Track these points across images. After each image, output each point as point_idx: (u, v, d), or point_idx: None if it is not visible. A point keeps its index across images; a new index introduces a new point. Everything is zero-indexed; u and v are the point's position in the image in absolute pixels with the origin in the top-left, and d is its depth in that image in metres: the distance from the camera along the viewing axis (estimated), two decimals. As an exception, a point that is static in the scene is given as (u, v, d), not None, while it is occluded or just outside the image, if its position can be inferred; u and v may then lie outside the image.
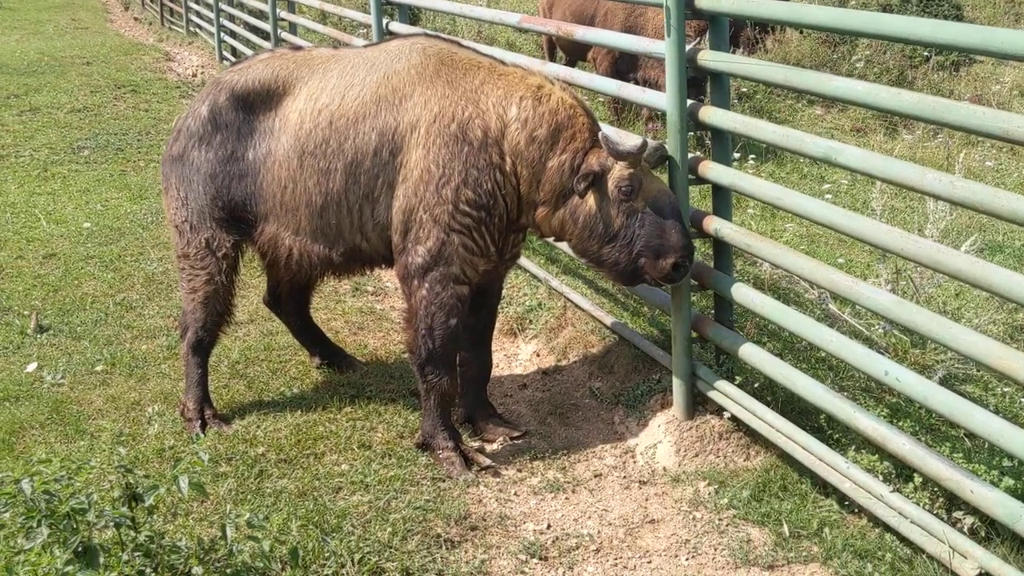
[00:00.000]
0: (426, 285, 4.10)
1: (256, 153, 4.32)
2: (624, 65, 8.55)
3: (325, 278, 4.72)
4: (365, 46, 4.63)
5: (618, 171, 3.96)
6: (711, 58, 3.96)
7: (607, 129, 4.28)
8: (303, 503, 3.83)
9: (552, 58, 9.82)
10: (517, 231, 4.26)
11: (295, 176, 4.23)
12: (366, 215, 4.18)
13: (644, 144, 3.92)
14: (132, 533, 2.73)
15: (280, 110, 4.30)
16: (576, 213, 4.04)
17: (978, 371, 4.35)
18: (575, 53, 9.62)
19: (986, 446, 3.71)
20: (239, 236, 4.48)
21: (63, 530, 2.63)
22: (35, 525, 2.64)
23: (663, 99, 4.11)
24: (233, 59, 13.80)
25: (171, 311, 5.88)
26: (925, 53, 10.86)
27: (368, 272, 4.78)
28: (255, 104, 4.34)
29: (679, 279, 4.06)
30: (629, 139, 4.03)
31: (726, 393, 4.13)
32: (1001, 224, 6.58)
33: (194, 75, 14.07)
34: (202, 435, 4.42)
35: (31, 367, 5.24)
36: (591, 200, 4.01)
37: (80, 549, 2.61)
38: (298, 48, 4.78)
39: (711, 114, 4.03)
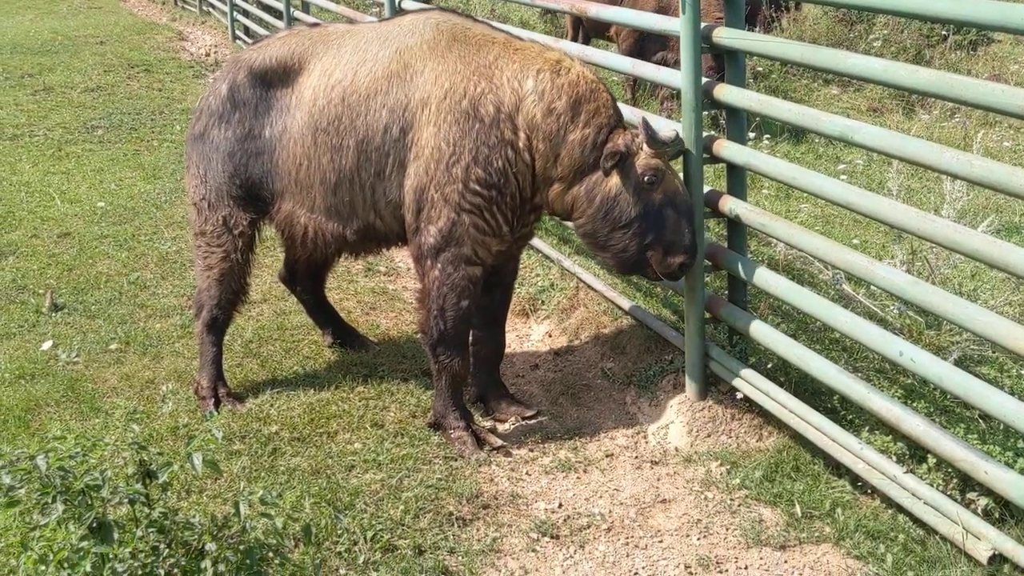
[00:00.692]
0: (438, 266, 4.08)
1: (273, 130, 4.31)
2: (651, 44, 8.43)
3: (340, 257, 4.70)
4: (380, 21, 4.59)
5: (644, 158, 3.90)
6: (727, 35, 3.92)
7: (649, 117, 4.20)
8: (316, 481, 3.85)
9: (576, 34, 9.65)
10: (531, 211, 4.19)
11: (309, 153, 4.22)
12: (379, 193, 4.16)
13: (679, 136, 3.89)
14: (146, 509, 2.74)
15: (296, 87, 4.28)
16: (593, 192, 3.96)
17: (993, 352, 4.31)
18: (599, 30, 9.50)
19: (1001, 427, 3.69)
20: (256, 214, 4.48)
21: (78, 506, 2.65)
22: (50, 501, 2.65)
23: (678, 77, 4.07)
24: (246, 38, 13.77)
25: (185, 290, 5.90)
26: (943, 32, 10.73)
27: (383, 251, 4.76)
28: (272, 81, 4.33)
29: (679, 278, 4.09)
30: (663, 129, 3.97)
31: (739, 374, 4.12)
32: (1018, 205, 6.52)
33: (207, 54, 14.06)
34: (216, 413, 4.43)
35: (46, 345, 5.27)
36: (612, 181, 3.93)
37: (95, 525, 2.62)
38: (315, 25, 4.76)
39: (726, 92, 3.99)
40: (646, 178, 3.91)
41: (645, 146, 3.87)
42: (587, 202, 3.98)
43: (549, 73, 3.96)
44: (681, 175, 4.08)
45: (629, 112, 4.45)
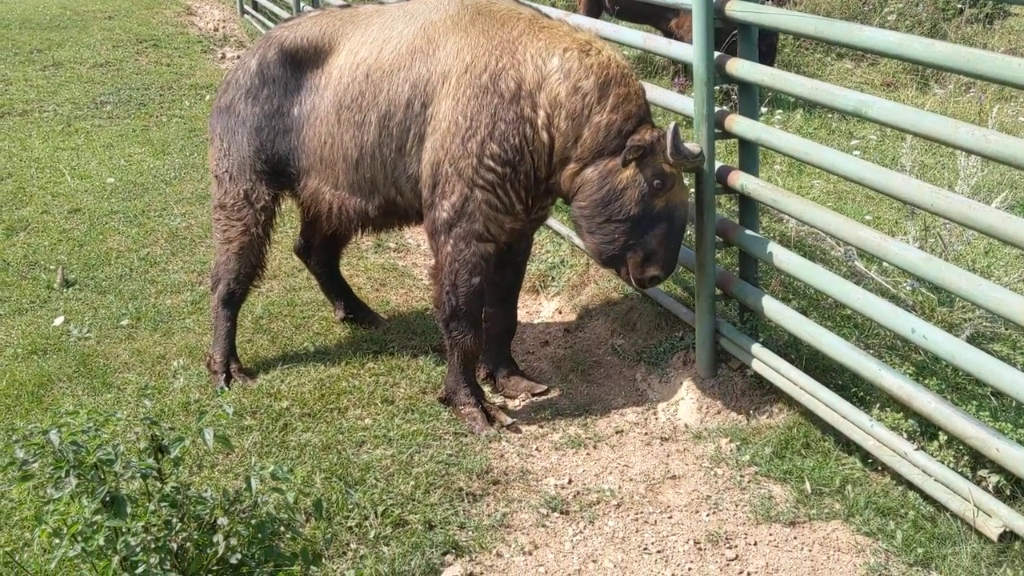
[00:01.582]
0: (451, 241, 4.08)
1: (301, 109, 4.33)
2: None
3: (364, 232, 4.69)
4: None
5: (661, 162, 3.88)
6: (739, 8, 3.87)
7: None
8: (327, 456, 3.87)
9: (594, 14, 9.00)
10: (547, 192, 4.14)
11: (333, 131, 4.23)
12: (399, 168, 4.16)
13: (702, 153, 3.90)
14: (158, 484, 2.76)
15: (325, 67, 4.29)
16: (604, 179, 3.92)
17: (1006, 329, 4.29)
18: (636, 15, 8.83)
19: (1013, 405, 3.67)
20: (278, 189, 4.50)
21: (91, 480, 2.67)
22: (63, 475, 2.67)
23: (690, 51, 4.03)
24: (255, 13, 13.71)
25: (195, 266, 5.91)
26: (959, 5, 10.61)
27: (405, 227, 4.75)
28: (302, 61, 4.34)
29: (647, 288, 4.23)
30: (689, 143, 3.98)
31: (749, 351, 4.11)
32: (1033, 181, 6.46)
33: (215, 29, 14.00)
34: (227, 388, 4.45)
35: (58, 321, 5.30)
36: (625, 174, 3.90)
37: (108, 499, 2.64)
38: (346, 6, 4.75)
39: (739, 67, 3.95)
40: (656, 182, 3.89)
41: (667, 152, 3.83)
42: (595, 187, 3.95)
43: (577, 52, 3.92)
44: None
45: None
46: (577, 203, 4.03)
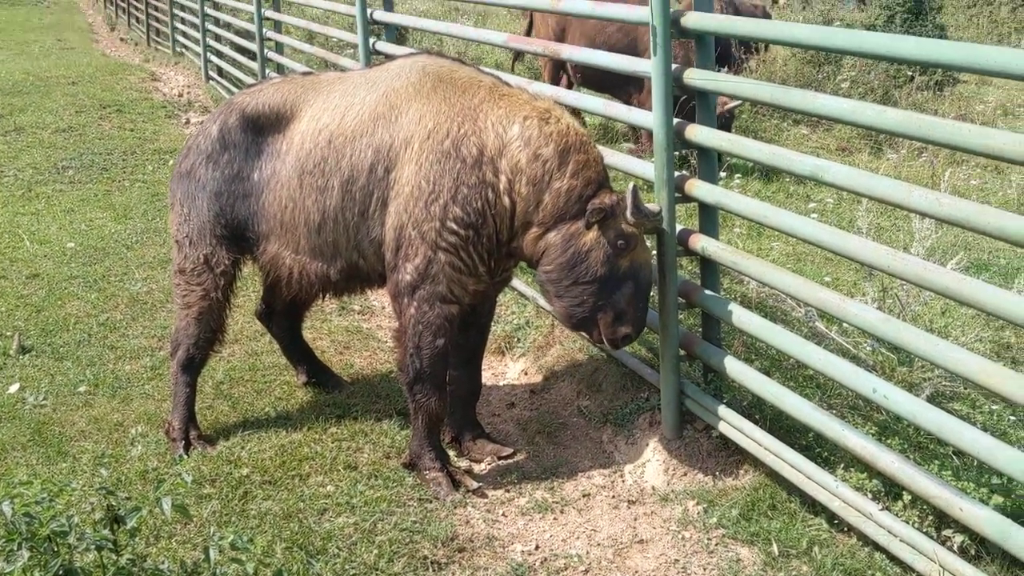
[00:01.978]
0: (414, 303, 4.08)
1: (262, 174, 4.35)
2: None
3: (325, 297, 4.69)
4: (370, 67, 4.64)
5: (622, 223, 3.95)
6: (697, 76, 3.97)
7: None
8: (288, 525, 3.79)
9: (557, 81, 9.08)
10: (509, 255, 4.19)
11: (295, 196, 4.25)
12: (362, 232, 4.17)
13: (661, 213, 3.98)
14: (114, 556, 2.68)
15: (287, 132, 4.33)
16: (568, 243, 3.98)
17: (965, 388, 4.35)
18: (598, 85, 8.82)
19: (975, 463, 3.70)
20: (239, 254, 4.49)
21: (44, 553, 2.59)
22: (15, 548, 2.59)
23: (650, 118, 4.11)
24: (220, 79, 13.80)
25: (155, 331, 5.84)
26: (909, 73, 10.96)
27: (367, 291, 4.76)
28: (264, 126, 4.38)
29: (619, 348, 4.22)
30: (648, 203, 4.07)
31: (714, 411, 4.12)
32: (986, 243, 6.62)
33: (180, 95, 14.06)
34: (186, 456, 4.37)
35: (13, 388, 5.18)
36: (588, 236, 3.97)
37: (61, 572, 2.56)
38: (308, 73, 4.81)
39: (697, 132, 4.04)
40: (619, 242, 3.96)
41: (628, 213, 3.90)
42: (559, 251, 4.00)
43: (537, 120, 4.01)
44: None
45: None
46: (543, 268, 4.07)
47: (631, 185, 3.88)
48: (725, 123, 8.27)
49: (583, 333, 4.32)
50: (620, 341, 4.10)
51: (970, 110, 10.62)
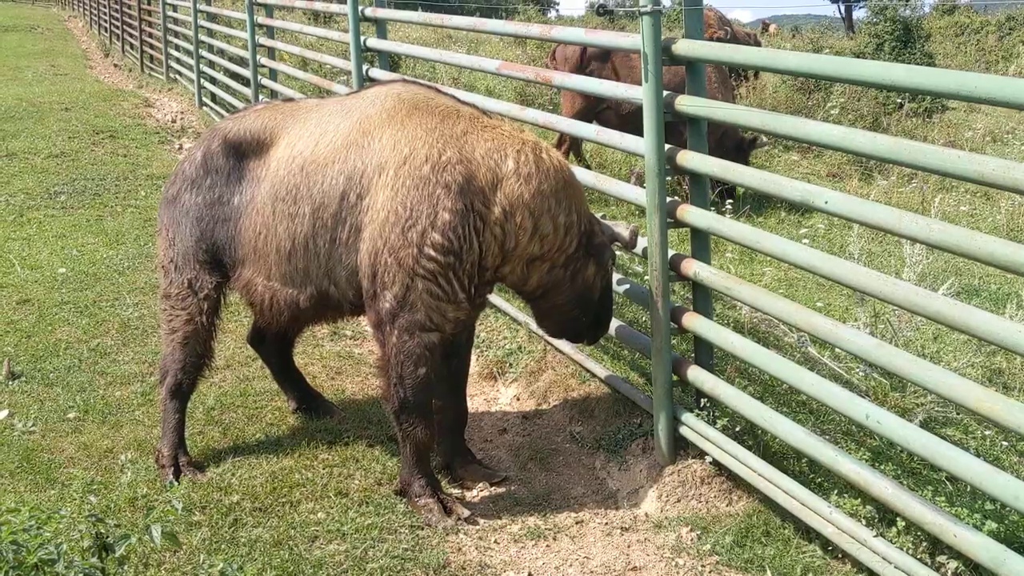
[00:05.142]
0: (395, 333, 4.05)
1: (241, 199, 4.37)
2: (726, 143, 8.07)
3: (295, 324, 4.67)
4: (347, 94, 4.67)
5: (612, 246, 4.32)
6: (689, 103, 3.99)
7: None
8: (278, 552, 3.76)
9: (584, 116, 8.37)
10: (490, 282, 4.24)
11: (268, 222, 4.26)
12: (334, 259, 4.16)
13: (637, 235, 4.32)
14: (102, 585, 2.65)
15: (265, 159, 4.36)
16: (577, 275, 4.23)
17: (958, 414, 4.35)
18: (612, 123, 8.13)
19: (968, 489, 3.69)
20: (221, 279, 4.49)
21: (30, 582, 2.56)
22: (1, 577, 2.56)
23: (641, 144, 4.13)
24: (213, 105, 13.84)
25: (146, 357, 5.81)
26: (899, 100, 11.06)
27: (338, 320, 4.76)
28: (244, 152, 4.40)
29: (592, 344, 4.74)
30: (616, 224, 4.43)
31: (707, 437, 4.11)
32: (976, 268, 6.65)
33: (173, 121, 14.08)
34: (176, 483, 4.33)
35: (2, 414, 5.08)
36: (591, 269, 4.25)
37: (47, 602, 2.53)
38: (291, 100, 4.85)
39: (689, 159, 4.06)
40: (610, 263, 4.34)
41: (628, 247, 4.32)
42: (570, 283, 4.25)
43: (532, 155, 4.08)
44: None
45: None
46: (553, 299, 4.31)
47: (632, 226, 4.29)
48: (745, 150, 8.38)
49: (572, 340, 4.79)
50: (596, 340, 4.65)
51: (959, 137, 10.70)
